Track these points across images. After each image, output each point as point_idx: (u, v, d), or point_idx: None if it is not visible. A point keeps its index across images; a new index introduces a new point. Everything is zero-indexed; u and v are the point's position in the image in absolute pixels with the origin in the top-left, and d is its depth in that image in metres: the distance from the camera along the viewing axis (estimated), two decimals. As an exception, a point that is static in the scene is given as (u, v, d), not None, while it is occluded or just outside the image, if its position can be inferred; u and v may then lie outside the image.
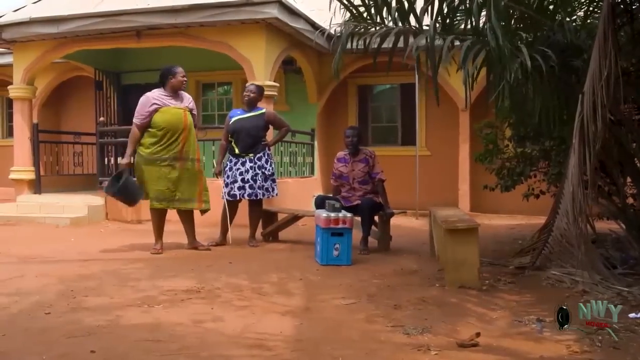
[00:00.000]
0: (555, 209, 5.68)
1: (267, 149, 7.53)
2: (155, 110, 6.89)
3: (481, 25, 5.17)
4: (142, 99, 6.99)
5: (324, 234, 6.25)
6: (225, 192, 7.39)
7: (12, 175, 11.12)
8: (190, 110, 7.10)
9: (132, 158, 7.03)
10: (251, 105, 7.49)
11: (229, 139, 7.49)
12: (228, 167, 7.45)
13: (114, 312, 4.33)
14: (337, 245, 6.23)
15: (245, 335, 3.78)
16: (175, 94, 7.02)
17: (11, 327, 3.96)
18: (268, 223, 8.00)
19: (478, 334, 3.61)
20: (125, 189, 6.94)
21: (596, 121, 4.61)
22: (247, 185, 7.31)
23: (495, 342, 3.60)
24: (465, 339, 3.59)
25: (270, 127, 7.84)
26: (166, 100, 6.95)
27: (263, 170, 7.38)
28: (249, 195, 7.35)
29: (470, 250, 5.08)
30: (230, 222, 7.48)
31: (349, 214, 6.42)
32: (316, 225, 6.57)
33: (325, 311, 4.42)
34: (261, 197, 7.44)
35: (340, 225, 6.28)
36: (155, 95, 6.96)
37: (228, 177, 7.41)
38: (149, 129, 6.91)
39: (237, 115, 7.53)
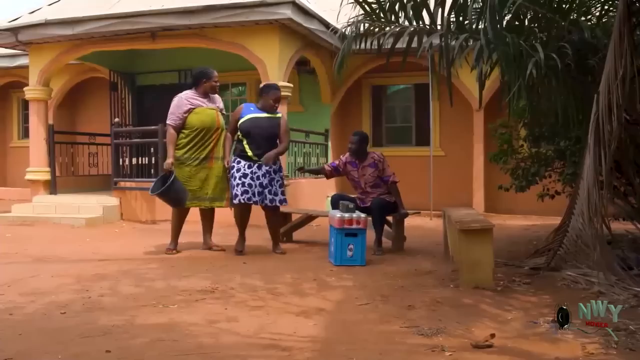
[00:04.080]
0: (571, 210, 5.64)
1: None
2: (189, 111, 6.94)
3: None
4: (175, 101, 7.03)
5: (338, 234, 6.25)
6: (239, 195, 6.75)
7: (28, 176, 11.22)
8: (221, 111, 7.17)
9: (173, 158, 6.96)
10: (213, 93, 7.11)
11: (240, 138, 6.89)
12: (236, 168, 6.83)
13: (129, 312, 4.35)
14: (351, 246, 6.23)
15: (259, 335, 3.79)
16: (206, 95, 7.08)
17: (27, 326, 3.99)
18: (282, 223, 8.00)
19: (493, 335, 3.60)
20: (172, 190, 6.86)
21: (612, 121, 4.58)
22: (266, 191, 6.81)
23: (510, 343, 3.59)
24: (479, 339, 3.58)
25: None
26: (199, 101, 7.00)
27: (279, 174, 7.00)
28: (271, 201, 6.88)
29: (484, 250, 5.06)
30: (245, 227, 7.08)
31: (363, 215, 6.41)
32: (330, 226, 6.57)
33: (339, 312, 4.42)
34: (277, 204, 6.96)
35: (354, 226, 6.28)
36: (188, 97, 7.01)
37: (236, 177, 6.78)
38: (183, 130, 6.96)
39: (251, 112, 6.93)
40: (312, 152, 11.44)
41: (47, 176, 11.08)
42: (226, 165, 6.96)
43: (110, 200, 10.43)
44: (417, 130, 12.75)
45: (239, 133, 6.90)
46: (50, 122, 11.76)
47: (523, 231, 8.92)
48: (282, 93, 9.59)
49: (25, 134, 14.93)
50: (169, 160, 6.90)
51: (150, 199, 8.69)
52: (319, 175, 8.31)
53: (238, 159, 6.87)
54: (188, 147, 6.94)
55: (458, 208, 6.78)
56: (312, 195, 10.71)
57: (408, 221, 7.47)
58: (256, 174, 6.78)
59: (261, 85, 7.16)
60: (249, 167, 6.79)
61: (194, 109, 6.94)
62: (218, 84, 7.17)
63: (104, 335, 3.78)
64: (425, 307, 4.47)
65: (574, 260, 5.40)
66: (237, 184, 6.77)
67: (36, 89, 11.20)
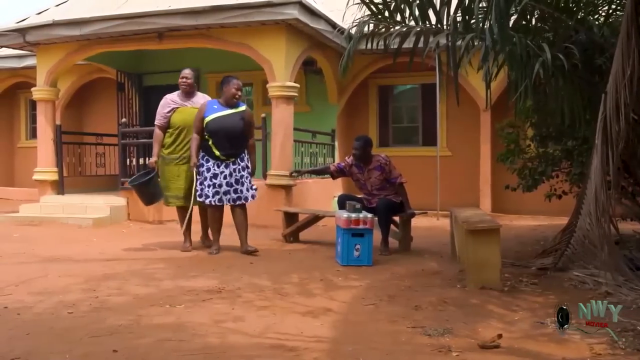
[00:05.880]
0: (578, 210, 5.63)
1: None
2: (173, 111, 7.20)
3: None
4: (161, 101, 7.35)
5: (344, 234, 6.25)
6: (210, 197, 6.79)
7: (36, 176, 11.26)
8: None
9: (158, 157, 7.27)
10: (191, 93, 7.24)
11: (207, 137, 6.79)
12: (206, 167, 6.81)
13: (136, 311, 4.37)
14: (357, 246, 6.23)
15: (266, 335, 3.79)
16: (188, 95, 7.29)
17: (35, 326, 4.01)
18: (289, 224, 8.00)
19: (500, 336, 3.59)
20: (147, 186, 7.21)
21: (619, 121, 4.57)
22: (231, 190, 6.81)
23: (517, 343, 3.58)
24: (486, 340, 3.57)
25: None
26: (183, 101, 7.25)
27: (248, 170, 6.97)
28: (239, 199, 6.88)
29: (491, 251, 5.05)
30: (220, 228, 7.06)
31: (369, 215, 6.40)
32: (337, 226, 6.57)
33: (346, 312, 4.42)
34: (250, 199, 6.98)
35: (361, 226, 6.27)
36: (172, 97, 7.30)
37: (206, 178, 6.80)
38: (168, 129, 7.22)
39: (214, 111, 6.80)
40: (319, 152, 11.44)
41: (54, 176, 11.11)
42: (192, 167, 6.87)
43: (117, 200, 10.45)
44: (424, 130, 12.72)
45: (205, 133, 6.81)
46: (58, 122, 11.78)
47: (530, 231, 8.89)
48: (289, 93, 9.68)
49: (33, 134, 14.97)
50: (153, 158, 7.23)
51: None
52: (325, 176, 8.32)
53: (207, 157, 6.85)
54: (173, 146, 7.19)
55: (465, 208, 6.76)
56: (319, 195, 10.71)
57: (415, 221, 7.46)
58: (223, 173, 6.79)
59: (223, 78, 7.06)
60: (218, 166, 6.80)
61: (177, 108, 7.20)
62: (183, 80, 7.24)
63: (111, 335, 3.79)
64: (432, 308, 4.46)
65: (582, 261, 5.39)
66: (208, 185, 6.80)
67: (44, 90, 11.24)
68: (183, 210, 7.27)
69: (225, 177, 6.79)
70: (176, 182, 7.14)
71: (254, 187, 7.04)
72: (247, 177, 6.93)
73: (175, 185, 7.15)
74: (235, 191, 6.85)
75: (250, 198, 6.98)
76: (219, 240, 7.08)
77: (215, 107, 6.87)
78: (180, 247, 7.20)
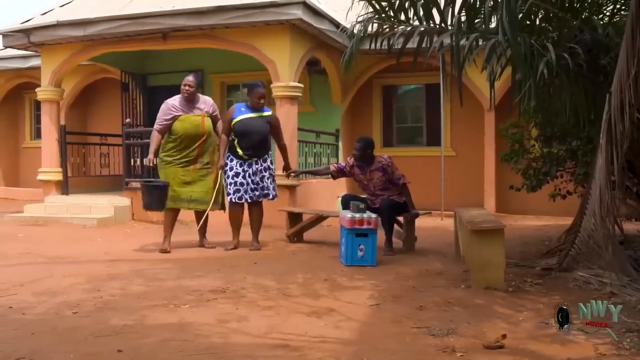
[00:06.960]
0: (583, 210, 5.61)
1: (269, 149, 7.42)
2: (175, 118, 7.17)
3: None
4: (162, 107, 7.31)
5: (348, 234, 6.24)
6: (231, 194, 7.14)
7: (40, 177, 11.28)
8: (211, 114, 7.32)
9: (155, 157, 7.24)
10: (192, 99, 7.27)
11: (232, 137, 7.15)
12: (229, 167, 7.14)
13: (140, 311, 4.37)
14: (361, 246, 6.23)
15: (270, 335, 3.79)
16: (191, 100, 7.25)
17: (39, 326, 4.01)
18: (293, 224, 8.00)
19: (504, 336, 3.58)
20: (156, 192, 7.20)
21: (624, 120, 4.55)
22: (258, 187, 7.16)
23: (521, 344, 3.58)
24: (491, 340, 3.57)
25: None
26: (185, 108, 7.22)
27: (270, 171, 7.30)
28: (259, 197, 7.21)
29: (496, 251, 5.04)
30: (239, 225, 7.33)
31: (373, 215, 6.40)
32: (341, 226, 6.56)
33: (350, 312, 4.41)
34: (270, 198, 7.32)
35: (365, 226, 6.27)
36: (174, 104, 7.24)
37: (229, 176, 7.13)
38: (170, 135, 7.22)
39: (242, 113, 7.14)
40: (323, 153, 11.43)
41: (59, 176, 11.14)
42: (219, 168, 7.22)
43: (121, 200, 10.47)
44: (428, 130, 12.70)
45: (232, 133, 7.15)
46: (62, 122, 11.81)
47: (535, 231, 8.87)
48: (293, 93, 9.68)
49: (38, 134, 14.99)
50: (150, 156, 7.19)
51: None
52: (326, 176, 8.34)
53: (231, 157, 7.18)
54: (172, 150, 7.23)
55: (469, 208, 6.76)
56: (323, 195, 10.70)
57: (419, 221, 7.45)
58: (247, 172, 7.11)
59: (247, 84, 7.40)
60: (241, 165, 7.12)
61: (178, 115, 7.18)
62: (186, 87, 7.23)
63: (115, 335, 3.80)
64: (436, 308, 4.46)
65: (586, 261, 5.38)
66: (230, 183, 7.14)
67: (48, 90, 11.26)
68: (172, 213, 7.33)
69: (249, 176, 7.11)
70: (171, 184, 7.17)
71: (275, 187, 7.36)
72: (268, 177, 7.22)
73: (171, 187, 7.18)
74: (262, 188, 7.19)
75: (272, 194, 7.29)
76: (238, 237, 7.28)
77: (243, 109, 7.19)
78: (159, 248, 7.21)
